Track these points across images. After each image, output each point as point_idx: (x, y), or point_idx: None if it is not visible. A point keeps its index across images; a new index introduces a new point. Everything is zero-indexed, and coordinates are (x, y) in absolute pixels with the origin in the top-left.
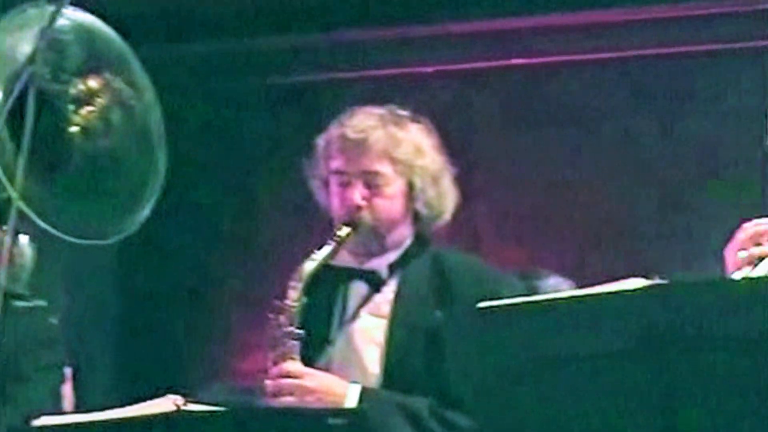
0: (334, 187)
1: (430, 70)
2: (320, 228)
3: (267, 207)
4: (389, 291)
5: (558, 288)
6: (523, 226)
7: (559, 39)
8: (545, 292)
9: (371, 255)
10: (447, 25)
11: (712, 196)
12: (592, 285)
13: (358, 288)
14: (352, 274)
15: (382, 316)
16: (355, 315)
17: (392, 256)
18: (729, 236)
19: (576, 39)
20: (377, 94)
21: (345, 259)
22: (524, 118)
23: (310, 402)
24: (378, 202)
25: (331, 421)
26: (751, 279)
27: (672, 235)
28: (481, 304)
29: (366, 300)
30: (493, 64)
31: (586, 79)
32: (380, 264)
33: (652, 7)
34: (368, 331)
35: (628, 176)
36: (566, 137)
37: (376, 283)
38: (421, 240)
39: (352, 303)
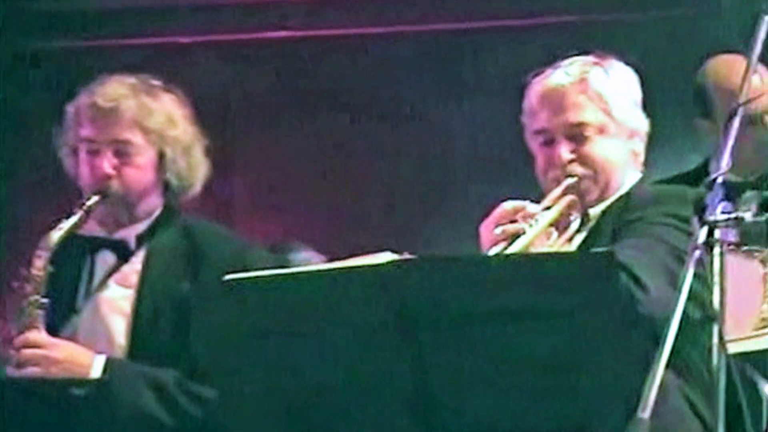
0: (84, 156)
1: (188, 40)
2: (69, 197)
3: (18, 175)
4: (137, 261)
5: (309, 262)
6: (279, 200)
7: (328, 13)
8: (296, 266)
9: (120, 225)
10: None
11: (473, 178)
12: (343, 259)
13: (106, 257)
14: (99, 243)
15: (129, 287)
16: (102, 285)
17: (141, 227)
18: (485, 212)
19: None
20: (132, 64)
21: (93, 229)
22: (286, 93)
23: (55, 372)
24: (128, 171)
25: (75, 391)
26: (501, 255)
27: (431, 214)
28: (227, 277)
29: (114, 270)
30: (257, 36)
31: (350, 55)
32: (129, 234)
33: None
34: (115, 301)
35: (387, 154)
36: (326, 112)
37: (124, 253)
38: (170, 210)
39: (100, 273)
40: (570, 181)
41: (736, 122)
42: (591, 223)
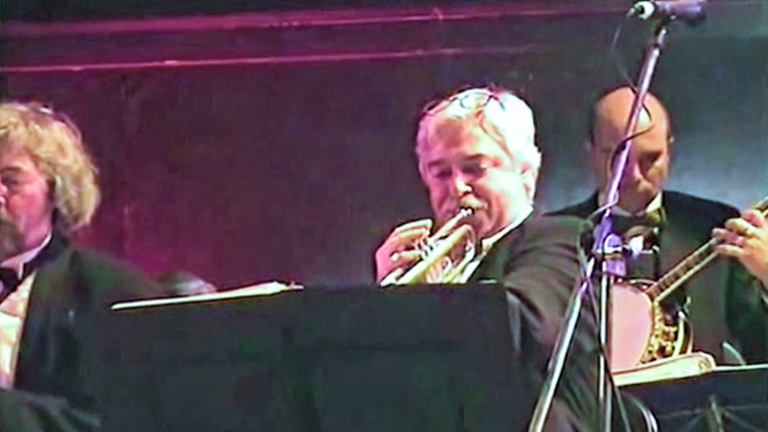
0: None
1: (78, 68)
2: None
3: None
4: (24, 290)
5: (199, 291)
6: (169, 229)
7: (205, 42)
8: (186, 295)
9: (8, 253)
10: (98, 23)
11: (357, 202)
12: (233, 289)
13: None
14: None
15: (16, 315)
16: None
17: (29, 255)
18: (378, 240)
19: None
20: (22, 92)
21: None
22: (171, 118)
23: None
24: (16, 199)
25: None
26: (389, 287)
27: (318, 241)
28: (116, 306)
29: (0, 298)
30: (142, 65)
31: (230, 83)
32: (16, 262)
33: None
34: (2, 329)
35: (275, 181)
36: (213, 139)
37: (11, 282)
38: (59, 239)
39: None
40: (465, 213)
41: (623, 156)
42: (484, 254)
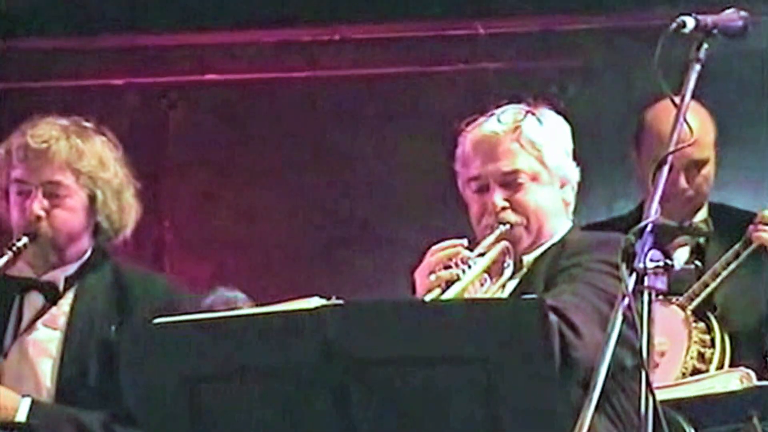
0: (14, 197)
1: (119, 82)
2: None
3: None
4: (66, 303)
5: (238, 305)
6: (209, 242)
7: (245, 56)
8: (225, 309)
9: (49, 266)
10: (139, 37)
11: (397, 214)
12: (272, 303)
13: (34, 299)
14: (28, 284)
15: (57, 329)
16: (30, 327)
17: (71, 269)
18: (416, 259)
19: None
20: (64, 105)
21: (22, 270)
22: (218, 132)
23: None
24: (58, 213)
25: None
26: (430, 301)
27: (361, 258)
28: (157, 320)
29: (42, 312)
30: (182, 79)
31: (270, 96)
32: (57, 276)
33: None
34: (43, 343)
35: (315, 193)
36: (252, 152)
37: (52, 295)
38: (100, 253)
39: (28, 314)
40: (503, 228)
41: (665, 171)
42: (523, 270)
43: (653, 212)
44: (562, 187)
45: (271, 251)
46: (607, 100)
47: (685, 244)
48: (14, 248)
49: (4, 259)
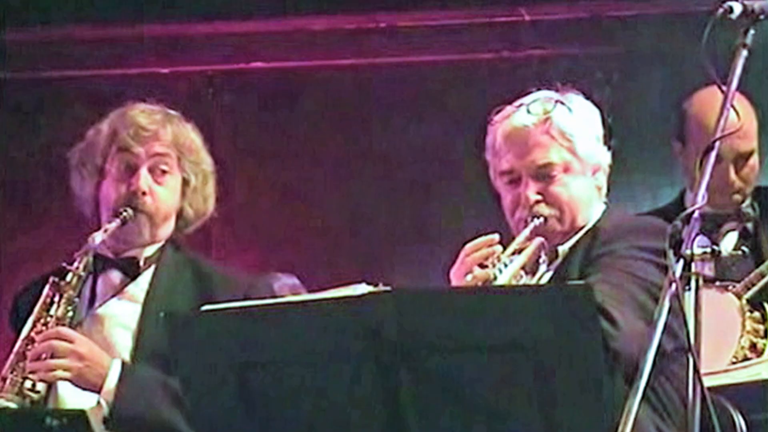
0: (116, 172)
1: (165, 70)
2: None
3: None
4: (144, 281)
5: (298, 291)
6: (256, 231)
7: (291, 43)
8: (279, 296)
9: (130, 246)
10: (185, 26)
11: (445, 202)
12: (322, 290)
13: (111, 276)
14: (106, 263)
15: (137, 302)
16: (107, 301)
17: (151, 249)
18: (465, 240)
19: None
20: (112, 93)
21: (104, 244)
22: (268, 119)
23: (77, 369)
24: (160, 190)
25: (49, 421)
26: (478, 287)
27: (405, 242)
28: (206, 307)
29: (121, 286)
30: (228, 67)
31: (316, 84)
32: (139, 254)
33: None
34: (119, 317)
35: (361, 181)
36: (299, 140)
37: (133, 270)
38: (174, 240)
39: (102, 290)
40: (537, 222)
41: (712, 157)
42: (558, 260)
43: (700, 199)
44: (594, 173)
45: (317, 240)
46: (653, 87)
47: (734, 230)
48: (122, 217)
49: (113, 225)
